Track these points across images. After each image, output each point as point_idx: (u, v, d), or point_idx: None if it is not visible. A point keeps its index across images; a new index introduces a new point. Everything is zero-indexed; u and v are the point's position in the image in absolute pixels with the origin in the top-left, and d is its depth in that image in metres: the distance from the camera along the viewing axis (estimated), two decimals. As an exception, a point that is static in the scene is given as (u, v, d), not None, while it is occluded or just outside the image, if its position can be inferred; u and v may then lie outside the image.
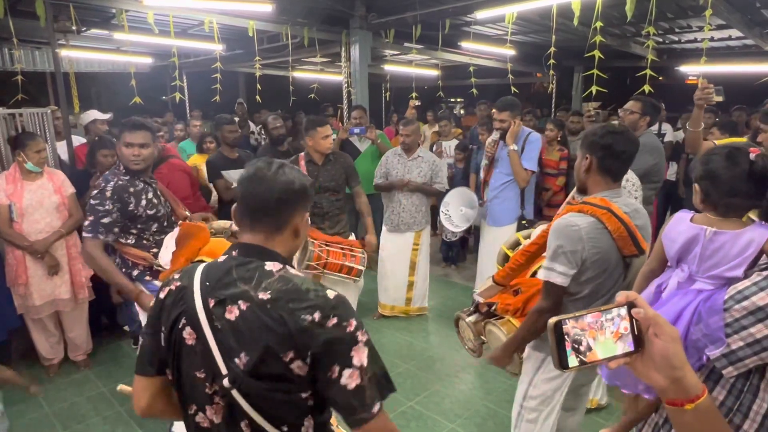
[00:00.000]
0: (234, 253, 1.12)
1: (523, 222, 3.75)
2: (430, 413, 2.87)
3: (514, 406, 1.96)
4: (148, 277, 2.46)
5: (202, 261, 1.82)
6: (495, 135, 3.69)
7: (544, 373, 1.84)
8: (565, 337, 0.69)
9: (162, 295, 1.15)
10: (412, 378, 3.26)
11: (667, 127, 5.61)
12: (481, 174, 3.97)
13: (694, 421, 0.71)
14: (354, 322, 1.03)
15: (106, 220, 2.31)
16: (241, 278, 1.06)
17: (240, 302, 1.03)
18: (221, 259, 1.13)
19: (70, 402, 2.98)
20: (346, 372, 1.00)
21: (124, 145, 2.39)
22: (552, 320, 0.69)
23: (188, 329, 1.07)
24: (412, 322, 4.08)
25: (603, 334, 0.70)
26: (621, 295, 0.72)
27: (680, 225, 1.53)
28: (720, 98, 2.61)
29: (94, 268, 2.38)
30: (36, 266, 3.06)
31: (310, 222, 3.24)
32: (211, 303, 1.05)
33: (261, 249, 1.11)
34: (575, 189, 1.93)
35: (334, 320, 1.01)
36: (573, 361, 0.69)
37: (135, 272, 2.45)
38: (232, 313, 1.03)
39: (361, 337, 1.03)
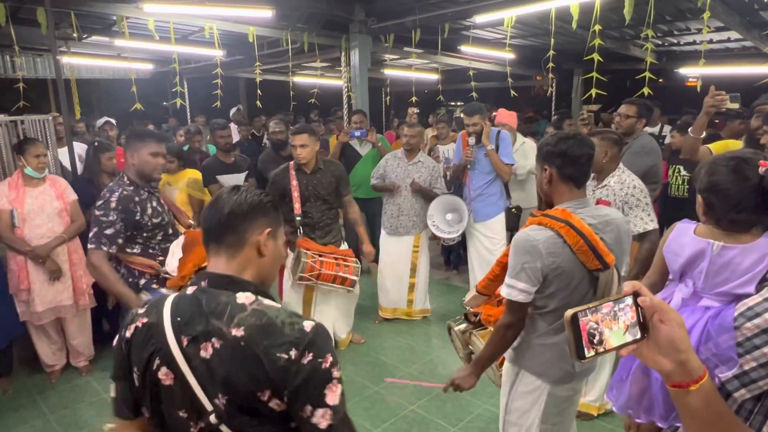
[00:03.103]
0: (203, 284, 1.08)
1: (512, 209, 3.90)
2: (432, 417, 2.87)
3: (500, 419, 1.95)
4: (155, 285, 2.46)
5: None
6: (471, 139, 3.88)
7: (521, 387, 1.82)
8: (581, 328, 0.72)
9: (128, 334, 1.08)
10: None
11: (667, 129, 5.61)
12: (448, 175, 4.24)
13: (698, 402, 0.74)
14: (330, 358, 1.00)
15: (109, 231, 2.31)
16: (212, 313, 1.02)
17: (213, 339, 1.00)
18: (190, 290, 1.08)
19: (72, 408, 2.98)
20: (319, 412, 0.98)
21: (150, 155, 2.41)
22: (569, 313, 0.72)
23: (164, 369, 1.02)
24: (413, 326, 4.08)
25: (616, 324, 0.73)
26: (627, 285, 0.75)
27: (683, 237, 1.43)
28: (735, 105, 2.52)
29: (97, 277, 2.38)
30: (38, 272, 3.06)
31: (301, 232, 3.25)
32: (185, 341, 1.01)
33: (230, 279, 1.07)
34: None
35: (310, 356, 0.98)
36: (589, 351, 0.72)
37: (142, 281, 2.46)
38: (207, 351, 1.00)
39: (336, 374, 1.00)
